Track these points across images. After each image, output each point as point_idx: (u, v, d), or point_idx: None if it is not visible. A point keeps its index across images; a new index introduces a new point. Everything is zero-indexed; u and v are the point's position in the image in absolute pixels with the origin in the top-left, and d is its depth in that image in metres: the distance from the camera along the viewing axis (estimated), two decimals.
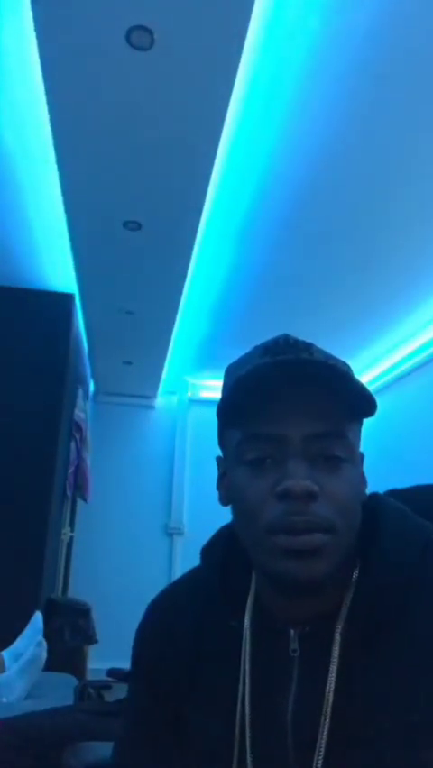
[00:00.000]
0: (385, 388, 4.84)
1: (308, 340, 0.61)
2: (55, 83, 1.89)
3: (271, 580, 0.59)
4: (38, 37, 1.73)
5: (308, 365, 0.57)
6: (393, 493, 0.78)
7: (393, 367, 4.59)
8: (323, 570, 0.54)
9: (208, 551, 0.69)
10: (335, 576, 0.57)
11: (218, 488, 0.65)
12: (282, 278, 3.43)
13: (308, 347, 0.60)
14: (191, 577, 0.73)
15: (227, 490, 0.62)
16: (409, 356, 4.36)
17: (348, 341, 4.30)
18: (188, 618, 0.67)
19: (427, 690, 0.53)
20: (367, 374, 4.98)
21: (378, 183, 2.53)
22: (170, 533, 5.18)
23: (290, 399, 0.56)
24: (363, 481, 0.63)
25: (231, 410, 0.60)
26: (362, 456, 0.64)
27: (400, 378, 4.58)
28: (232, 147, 2.32)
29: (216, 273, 3.40)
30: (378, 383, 4.89)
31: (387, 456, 4.86)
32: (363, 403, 0.58)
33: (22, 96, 2.10)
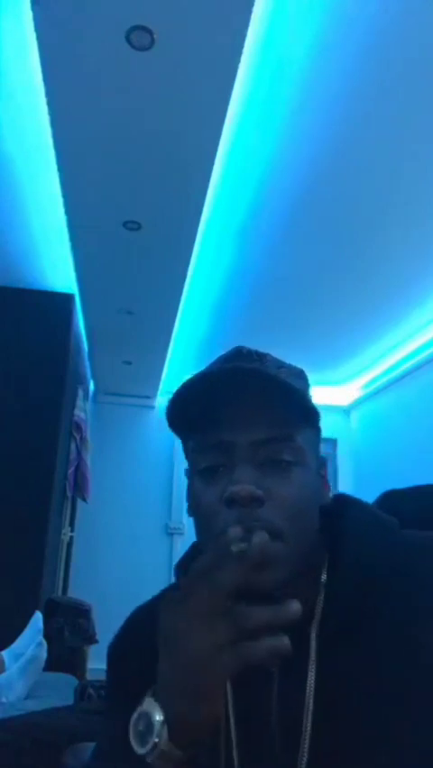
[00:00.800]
0: (385, 388, 4.84)
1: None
2: (55, 83, 1.89)
3: None
4: (38, 37, 1.74)
5: (248, 373, 0.58)
6: (393, 493, 0.78)
7: (393, 367, 4.59)
8: (272, 577, 0.53)
9: (181, 566, 0.69)
10: (294, 581, 0.56)
11: (187, 499, 0.65)
12: (282, 279, 3.43)
13: (262, 357, 0.61)
14: (166, 593, 0.73)
15: (189, 500, 0.63)
16: (409, 356, 4.36)
17: (348, 341, 4.30)
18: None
19: (403, 683, 0.53)
20: (367, 374, 4.98)
21: (378, 183, 2.53)
22: (170, 533, 5.18)
23: (237, 407, 0.57)
24: (318, 484, 0.62)
25: (176, 420, 0.61)
26: (323, 461, 0.64)
27: (400, 378, 4.58)
28: (232, 147, 2.32)
29: (216, 273, 3.40)
30: (378, 383, 4.90)
31: (387, 456, 4.87)
32: (302, 408, 0.59)
33: (22, 97, 2.10)
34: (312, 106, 2.12)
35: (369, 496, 0.82)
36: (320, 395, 5.46)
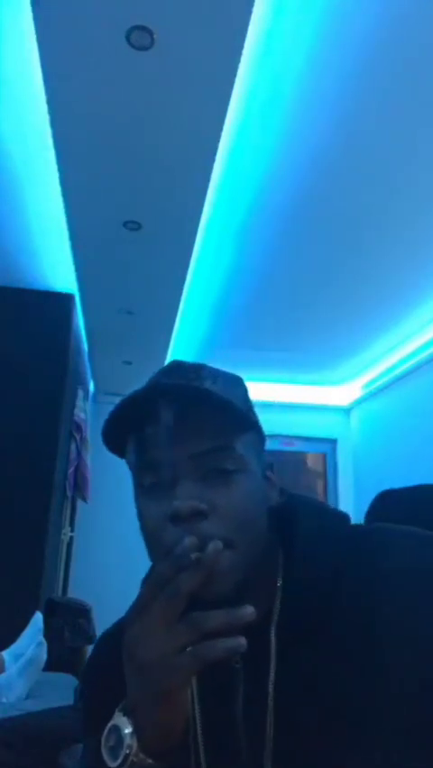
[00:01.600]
0: (385, 387, 4.84)
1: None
2: (55, 83, 1.89)
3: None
4: (38, 37, 1.74)
5: (176, 389, 0.58)
6: (389, 493, 0.78)
7: (393, 367, 4.59)
8: (222, 586, 0.53)
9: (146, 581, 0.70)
10: (250, 585, 0.57)
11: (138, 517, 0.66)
12: (282, 279, 3.43)
13: (197, 370, 0.62)
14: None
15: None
16: (409, 356, 4.36)
17: (348, 341, 4.30)
18: None
19: (361, 677, 0.54)
20: (367, 374, 4.98)
21: (378, 183, 2.53)
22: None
23: (168, 424, 0.57)
24: (264, 488, 0.62)
25: (112, 442, 0.61)
26: (269, 463, 0.65)
27: (400, 378, 4.58)
28: (232, 147, 2.32)
29: (216, 273, 3.40)
30: (378, 383, 4.90)
31: (387, 456, 4.87)
32: (242, 412, 0.59)
33: (22, 96, 2.10)
34: (312, 106, 2.12)
35: (368, 496, 0.82)
36: (320, 395, 5.46)
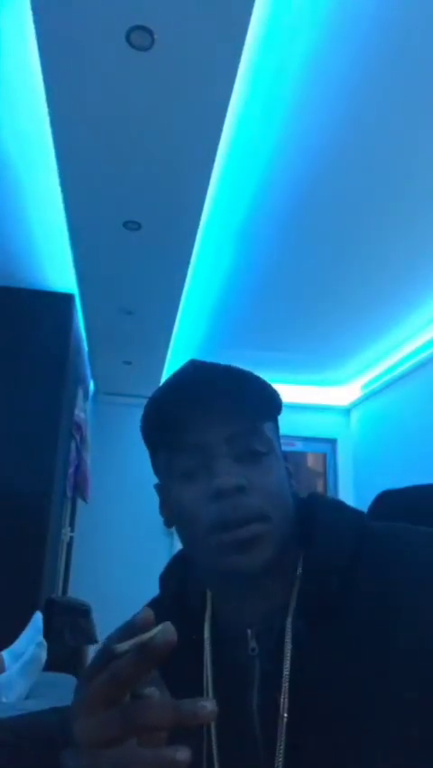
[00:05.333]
0: (385, 387, 4.84)
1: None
2: (55, 83, 1.89)
3: (220, 579, 0.62)
4: (38, 37, 1.74)
5: (211, 373, 0.62)
6: (389, 493, 0.79)
7: (393, 367, 4.59)
8: (264, 556, 0.58)
9: (164, 577, 0.72)
10: (277, 565, 0.60)
11: (161, 513, 0.68)
12: (282, 279, 3.43)
13: (216, 363, 0.65)
14: (151, 606, 0.75)
15: (169, 511, 0.66)
16: (409, 356, 4.36)
17: (348, 341, 4.31)
18: None
19: (375, 664, 0.55)
20: (367, 374, 4.98)
21: (378, 183, 2.53)
22: (171, 533, 5.17)
23: (205, 408, 0.61)
24: (287, 474, 0.66)
25: (153, 430, 0.65)
26: (285, 455, 0.68)
27: (400, 378, 4.58)
28: (232, 147, 2.32)
29: (216, 273, 3.40)
30: (378, 383, 4.90)
31: (387, 456, 4.87)
32: (268, 399, 0.64)
33: (21, 96, 2.10)
34: (312, 106, 2.12)
35: (368, 495, 0.82)
36: (320, 395, 5.46)
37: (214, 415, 0.61)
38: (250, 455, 0.61)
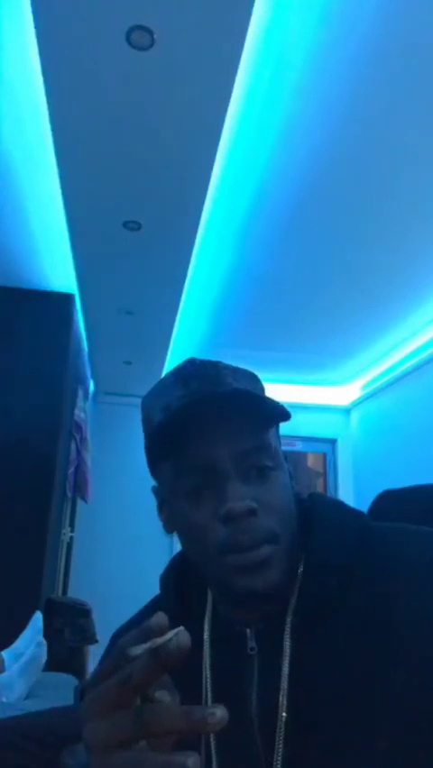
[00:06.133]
0: (385, 387, 4.84)
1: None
2: (55, 83, 1.89)
3: (229, 596, 0.63)
4: (38, 37, 1.73)
5: (219, 394, 0.61)
6: (388, 494, 0.79)
7: (393, 367, 4.59)
8: (275, 578, 0.58)
9: (164, 577, 0.73)
10: (286, 579, 0.60)
11: (159, 516, 0.68)
12: (282, 278, 3.43)
13: (215, 365, 0.64)
14: (152, 606, 0.76)
15: (169, 520, 0.66)
16: (409, 356, 4.36)
17: (348, 341, 4.30)
18: None
19: (374, 664, 0.55)
20: (367, 374, 4.98)
21: (378, 183, 2.53)
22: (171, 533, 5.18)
23: (213, 426, 0.60)
24: (288, 477, 0.66)
25: (159, 446, 0.63)
26: (285, 455, 0.68)
27: (400, 378, 4.58)
28: (232, 147, 2.32)
29: (216, 273, 3.40)
30: (378, 383, 4.90)
31: (387, 456, 4.87)
32: (275, 412, 0.62)
33: (22, 96, 2.10)
34: (312, 106, 2.12)
35: (368, 496, 0.82)
36: (320, 395, 5.47)
37: (222, 432, 0.60)
38: (258, 472, 0.61)
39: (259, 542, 0.58)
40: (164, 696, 0.41)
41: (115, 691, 0.39)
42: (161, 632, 0.40)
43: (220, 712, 0.37)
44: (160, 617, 0.40)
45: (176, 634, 0.39)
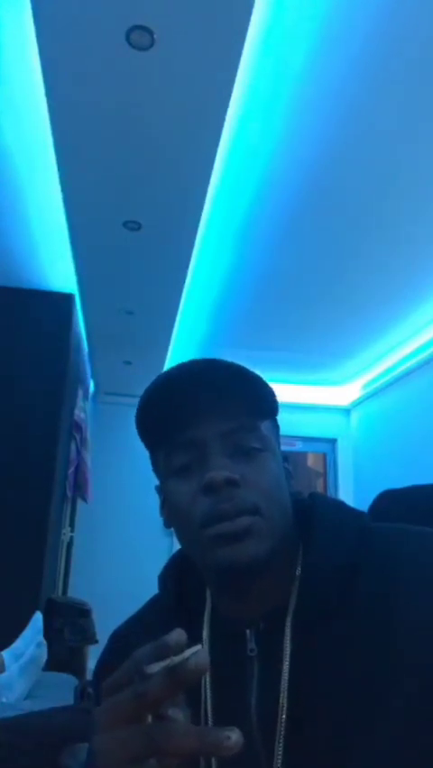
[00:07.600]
0: (385, 387, 4.85)
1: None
2: (55, 83, 1.89)
3: (215, 574, 0.62)
4: (38, 37, 1.74)
5: (208, 369, 0.62)
6: (388, 494, 0.79)
7: (393, 367, 4.59)
8: (256, 549, 0.58)
9: (163, 577, 0.72)
10: (273, 563, 0.59)
11: (161, 514, 0.68)
12: (282, 278, 3.43)
13: (213, 361, 0.65)
14: (151, 605, 0.76)
15: (166, 510, 0.66)
16: (409, 356, 4.36)
17: (348, 341, 4.31)
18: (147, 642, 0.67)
19: (374, 666, 0.55)
20: (367, 374, 4.98)
21: (378, 182, 2.53)
22: (170, 533, 5.16)
23: (201, 404, 0.61)
24: (283, 473, 0.66)
25: (150, 429, 0.64)
26: (286, 455, 0.68)
27: (401, 378, 4.58)
28: (232, 147, 2.32)
29: (216, 273, 3.40)
30: (378, 383, 4.90)
31: (387, 456, 4.87)
32: (265, 397, 0.64)
33: (22, 96, 2.11)
34: (312, 105, 2.12)
35: (368, 496, 0.82)
36: (320, 395, 5.46)
37: (209, 410, 0.61)
38: (245, 452, 0.61)
39: (240, 511, 0.58)
40: (177, 714, 0.40)
41: (129, 706, 0.39)
42: (179, 649, 0.39)
43: (235, 736, 0.36)
44: (178, 634, 0.39)
45: (194, 653, 0.38)
